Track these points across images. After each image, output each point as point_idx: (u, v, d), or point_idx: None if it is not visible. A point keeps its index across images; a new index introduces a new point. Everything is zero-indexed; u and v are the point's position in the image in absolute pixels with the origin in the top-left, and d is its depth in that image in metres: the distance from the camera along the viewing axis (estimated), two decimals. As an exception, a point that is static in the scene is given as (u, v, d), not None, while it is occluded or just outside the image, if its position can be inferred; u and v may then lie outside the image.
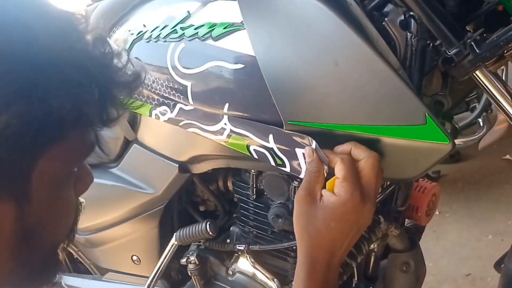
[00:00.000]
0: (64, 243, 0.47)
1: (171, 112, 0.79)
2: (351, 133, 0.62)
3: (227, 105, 0.70)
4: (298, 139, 0.64)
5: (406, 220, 1.00)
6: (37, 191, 0.40)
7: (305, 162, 0.63)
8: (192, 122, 0.77)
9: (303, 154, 0.64)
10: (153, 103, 0.82)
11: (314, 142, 0.62)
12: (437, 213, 2.22)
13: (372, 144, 0.61)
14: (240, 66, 0.68)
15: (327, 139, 0.63)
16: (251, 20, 0.67)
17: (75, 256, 1.42)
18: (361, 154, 0.58)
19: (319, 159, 0.60)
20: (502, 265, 0.78)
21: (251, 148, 0.71)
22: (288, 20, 0.64)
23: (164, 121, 0.81)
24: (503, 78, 1.37)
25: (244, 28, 0.67)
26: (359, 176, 0.58)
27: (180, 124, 0.79)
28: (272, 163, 0.69)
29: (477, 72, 0.72)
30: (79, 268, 1.46)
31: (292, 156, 0.66)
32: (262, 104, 0.67)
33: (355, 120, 0.61)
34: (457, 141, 2.15)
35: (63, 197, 0.44)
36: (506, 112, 0.73)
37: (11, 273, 0.41)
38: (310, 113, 0.64)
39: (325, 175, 0.60)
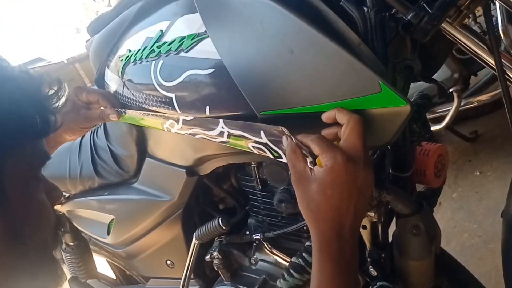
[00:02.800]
0: (53, 248, 0.55)
1: (178, 124, 0.82)
2: (317, 112, 0.65)
3: (207, 107, 0.76)
4: (280, 131, 0.67)
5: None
6: (11, 191, 0.48)
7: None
8: (196, 130, 0.81)
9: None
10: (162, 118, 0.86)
11: (286, 131, 0.65)
12: (478, 173, 2.16)
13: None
14: (211, 70, 0.73)
15: (298, 122, 0.67)
16: (212, 27, 0.72)
17: (128, 273, 1.53)
18: (343, 119, 0.61)
19: (293, 143, 0.64)
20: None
21: (250, 145, 0.74)
22: (244, 21, 0.68)
23: (176, 132, 0.85)
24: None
25: (208, 36, 0.73)
26: (342, 141, 0.61)
27: (188, 132, 0.82)
28: (271, 156, 0.72)
29: (446, 28, 0.74)
30: (131, 281, 1.58)
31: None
32: (236, 101, 0.72)
33: (318, 100, 0.64)
34: (485, 96, 2.06)
35: (37, 200, 0.53)
36: (480, 59, 0.75)
37: (15, 267, 0.50)
38: (278, 101, 0.68)
39: (307, 154, 0.63)
